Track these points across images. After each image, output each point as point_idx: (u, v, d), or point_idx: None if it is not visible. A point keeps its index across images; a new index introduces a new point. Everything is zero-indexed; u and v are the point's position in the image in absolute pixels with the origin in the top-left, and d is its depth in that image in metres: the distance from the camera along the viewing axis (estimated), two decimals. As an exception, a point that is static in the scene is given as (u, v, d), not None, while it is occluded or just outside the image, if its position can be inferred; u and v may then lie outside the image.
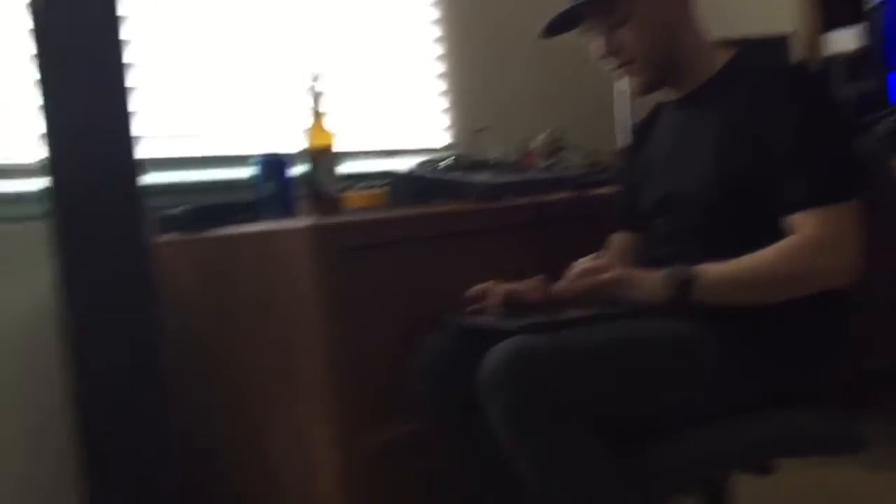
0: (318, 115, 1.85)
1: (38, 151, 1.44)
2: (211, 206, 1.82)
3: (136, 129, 1.49)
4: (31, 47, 1.41)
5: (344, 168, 2.03)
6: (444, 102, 2.72)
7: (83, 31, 1.44)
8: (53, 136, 1.42)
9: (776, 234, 1.34)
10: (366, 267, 1.61)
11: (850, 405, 1.39)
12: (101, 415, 1.47)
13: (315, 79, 1.86)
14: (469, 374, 1.25)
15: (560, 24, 1.51)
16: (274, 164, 1.93)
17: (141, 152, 1.52)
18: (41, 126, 1.42)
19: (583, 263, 1.39)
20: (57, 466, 1.71)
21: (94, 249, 1.45)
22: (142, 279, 1.50)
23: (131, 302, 1.49)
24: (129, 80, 1.48)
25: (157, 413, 1.50)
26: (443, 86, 2.71)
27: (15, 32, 1.75)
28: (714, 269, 1.34)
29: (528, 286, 1.49)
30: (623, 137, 2.56)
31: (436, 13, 2.70)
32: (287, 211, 1.91)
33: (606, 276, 1.36)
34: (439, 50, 2.70)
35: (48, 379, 1.71)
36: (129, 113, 1.48)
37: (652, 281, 1.35)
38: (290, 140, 2.10)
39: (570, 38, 1.53)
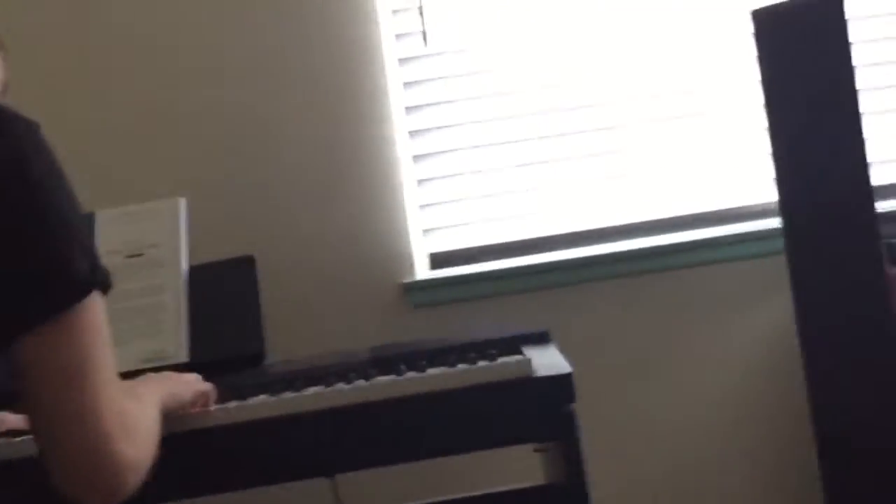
0: None
1: (771, 192, 1.63)
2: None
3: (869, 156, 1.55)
4: (761, 94, 1.57)
5: None
6: None
7: (811, 73, 1.55)
8: (784, 177, 1.56)
9: None
10: None
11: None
12: (842, 443, 1.60)
13: None
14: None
15: None
16: None
17: (875, 179, 1.57)
18: (772, 169, 1.57)
19: None
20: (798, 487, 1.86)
21: (827, 282, 1.58)
22: (878, 311, 1.57)
23: (866, 334, 1.58)
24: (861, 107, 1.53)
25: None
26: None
27: (749, 81, 1.88)
28: None
29: None
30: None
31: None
32: None
33: None
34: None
35: (789, 402, 1.87)
36: (862, 142, 1.54)
37: None
38: None
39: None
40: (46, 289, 0.84)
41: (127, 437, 0.87)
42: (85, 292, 0.86)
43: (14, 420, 1.34)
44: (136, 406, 0.95)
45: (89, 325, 0.86)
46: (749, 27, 1.70)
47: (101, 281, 0.88)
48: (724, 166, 2.03)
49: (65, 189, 0.89)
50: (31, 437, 1.14)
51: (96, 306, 0.87)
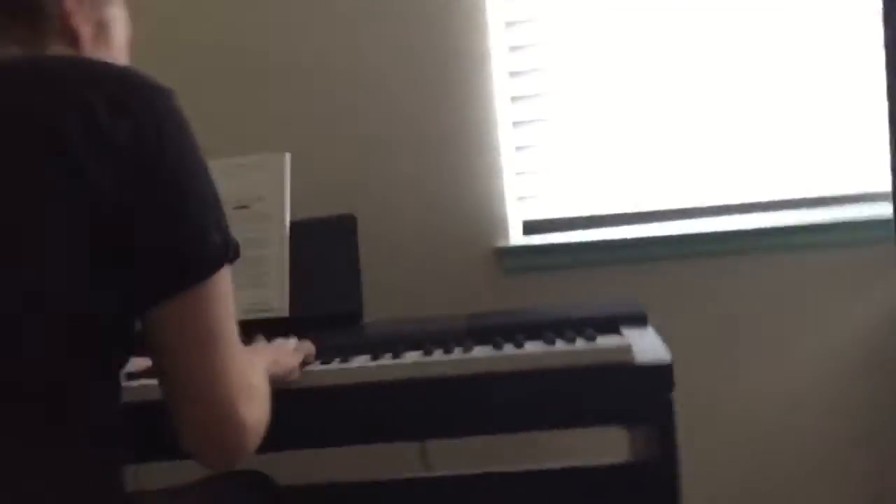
0: None
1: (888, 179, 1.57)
2: None
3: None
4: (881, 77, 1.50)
5: None
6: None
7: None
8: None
9: None
10: None
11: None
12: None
13: None
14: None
15: None
16: None
17: None
18: (890, 155, 1.52)
19: None
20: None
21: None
22: None
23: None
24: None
25: None
26: None
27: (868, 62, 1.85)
28: None
29: None
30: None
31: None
32: None
33: None
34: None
35: (890, 392, 1.89)
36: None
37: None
38: None
39: None
40: (182, 262, 0.86)
41: (249, 402, 0.91)
42: (217, 266, 0.88)
43: (138, 363, 1.39)
44: (254, 372, 0.98)
45: (219, 295, 0.89)
46: (874, 8, 1.62)
47: (231, 253, 0.91)
48: (825, 151, 1.96)
49: (200, 159, 0.90)
50: (146, 381, 1.19)
51: (226, 278, 0.90)
